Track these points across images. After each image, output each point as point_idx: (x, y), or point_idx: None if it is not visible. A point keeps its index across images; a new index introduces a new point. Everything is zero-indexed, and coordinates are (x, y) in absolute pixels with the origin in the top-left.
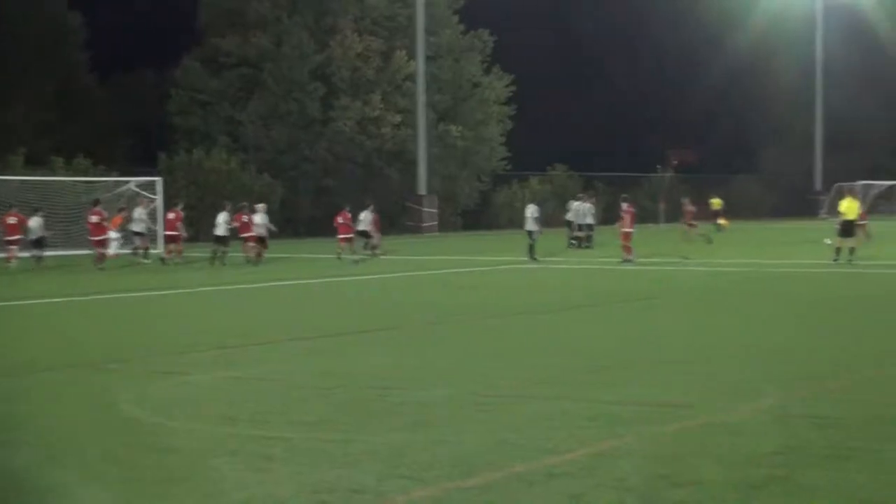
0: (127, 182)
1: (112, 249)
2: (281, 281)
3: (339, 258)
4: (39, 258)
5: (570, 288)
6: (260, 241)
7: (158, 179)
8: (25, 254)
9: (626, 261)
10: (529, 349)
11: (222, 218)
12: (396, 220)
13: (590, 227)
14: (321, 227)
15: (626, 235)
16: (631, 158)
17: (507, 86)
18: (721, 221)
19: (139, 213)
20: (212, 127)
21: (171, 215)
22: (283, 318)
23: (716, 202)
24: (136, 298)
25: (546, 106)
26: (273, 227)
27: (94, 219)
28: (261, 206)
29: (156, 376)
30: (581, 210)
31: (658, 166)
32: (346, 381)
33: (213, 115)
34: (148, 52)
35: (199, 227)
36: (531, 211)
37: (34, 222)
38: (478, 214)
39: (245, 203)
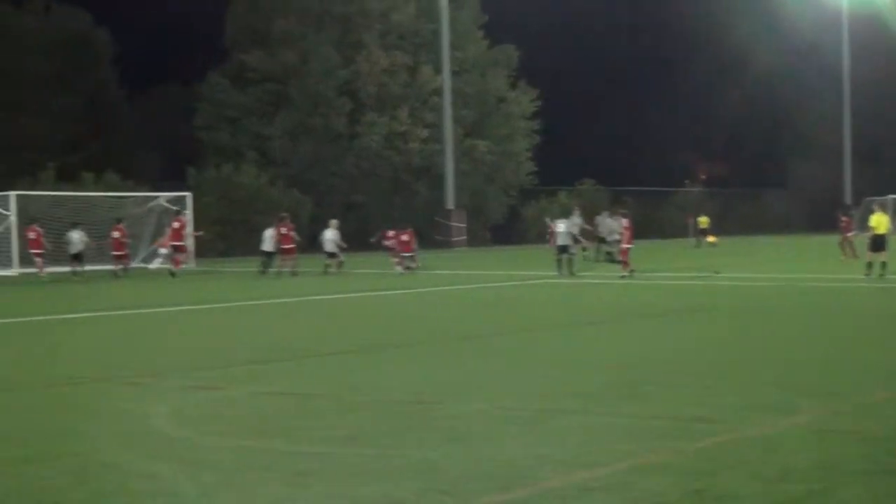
0: (157, 197)
1: (154, 265)
2: (314, 295)
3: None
4: (77, 272)
5: (600, 302)
6: (331, 256)
7: (188, 195)
8: (62, 268)
9: (624, 276)
10: (562, 363)
11: (269, 233)
12: (426, 235)
13: (618, 242)
14: (351, 242)
15: (625, 251)
16: (659, 172)
17: (532, 100)
18: (710, 239)
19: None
20: (240, 142)
21: (283, 230)
22: (317, 332)
23: (703, 220)
24: (171, 313)
25: (573, 120)
26: (343, 244)
27: (115, 234)
28: (333, 221)
29: (189, 391)
30: (609, 225)
31: (687, 180)
32: (381, 395)
33: (240, 130)
34: (175, 68)
35: (230, 243)
36: (564, 225)
37: (74, 236)
38: (507, 229)
39: (286, 213)
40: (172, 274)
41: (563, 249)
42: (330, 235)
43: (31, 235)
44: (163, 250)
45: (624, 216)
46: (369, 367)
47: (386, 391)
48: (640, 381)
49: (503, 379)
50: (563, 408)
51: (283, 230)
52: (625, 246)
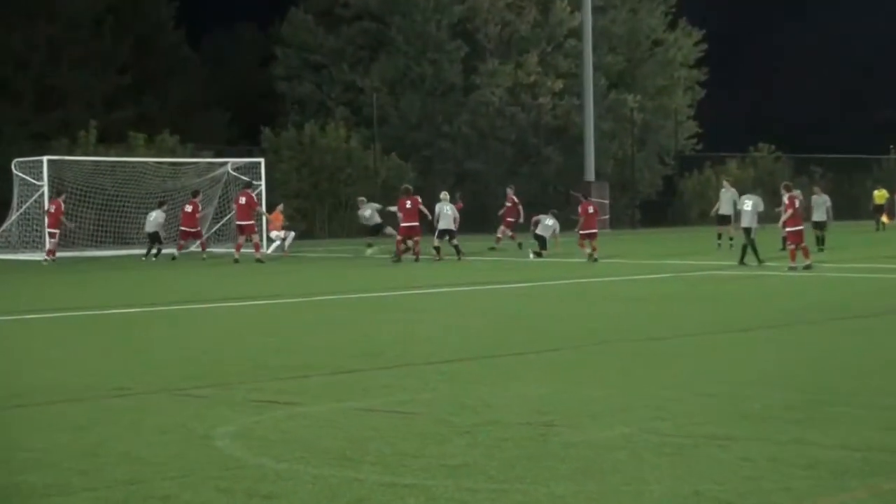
0: (223, 164)
1: (270, 250)
2: (413, 289)
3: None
4: (149, 254)
5: (782, 299)
6: (445, 235)
7: (261, 161)
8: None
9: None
10: (725, 378)
11: (373, 207)
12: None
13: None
14: (463, 219)
15: (794, 236)
16: (856, 136)
17: (696, 43)
18: (884, 219)
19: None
20: (327, 95)
21: (408, 203)
22: (417, 334)
23: (879, 195)
24: (238, 309)
25: (747, 69)
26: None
27: (188, 208)
28: (445, 193)
29: (260, 406)
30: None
31: (892, 146)
32: (498, 416)
33: (328, 80)
34: (247, 4)
35: (312, 221)
36: (751, 202)
37: (153, 216)
38: (660, 206)
39: (408, 186)
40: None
41: (748, 232)
42: (448, 209)
43: (51, 209)
44: (276, 234)
45: (786, 189)
46: (484, 379)
47: (504, 410)
48: (827, 400)
49: (653, 397)
50: (728, 434)
51: (409, 204)
52: (790, 229)
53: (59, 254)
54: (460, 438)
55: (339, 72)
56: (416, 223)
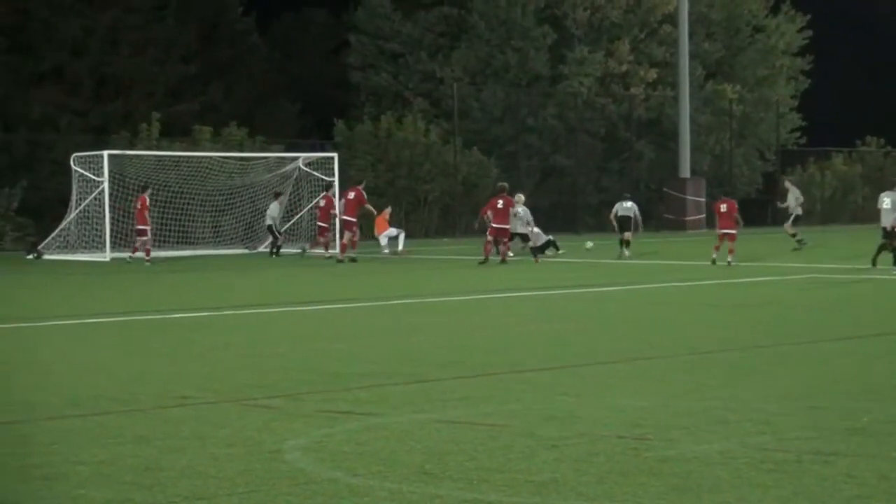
0: (294, 159)
1: (396, 247)
2: (493, 292)
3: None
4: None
5: (886, 306)
6: (522, 238)
7: (334, 155)
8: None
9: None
10: (832, 390)
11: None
12: (652, 212)
13: None
14: (547, 219)
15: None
16: None
17: (801, 30)
18: None
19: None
20: (404, 86)
21: (499, 203)
22: (501, 341)
23: None
24: (309, 312)
25: (854, 57)
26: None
27: (322, 203)
28: (520, 196)
29: (333, 416)
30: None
31: None
32: (588, 429)
33: (405, 70)
34: None
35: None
36: (890, 200)
37: (270, 207)
38: (761, 204)
39: (504, 184)
40: (351, 259)
41: (887, 235)
42: (522, 212)
43: (138, 206)
44: (392, 231)
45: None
46: (572, 389)
47: (594, 423)
48: None
49: (754, 409)
50: (835, 449)
51: (500, 204)
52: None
53: (116, 255)
54: (547, 452)
55: (416, 61)
56: (507, 225)
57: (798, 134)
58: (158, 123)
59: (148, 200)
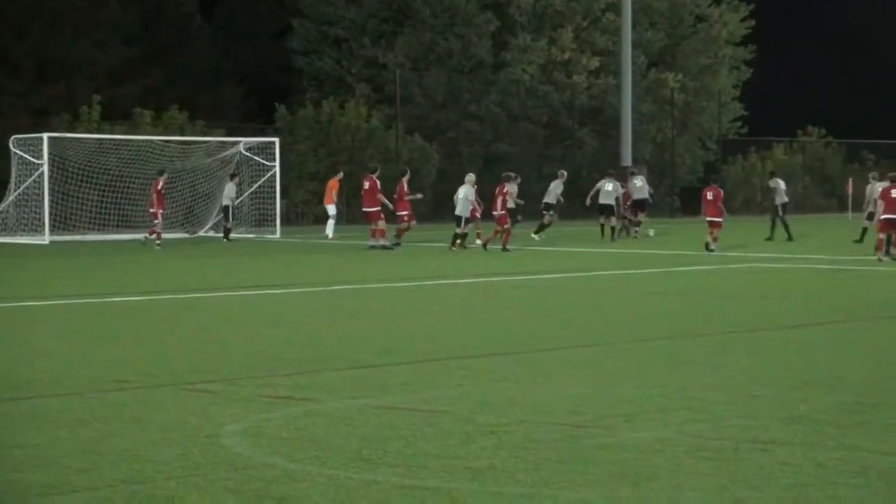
0: (236, 143)
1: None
2: (437, 279)
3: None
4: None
5: (838, 295)
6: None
7: (276, 140)
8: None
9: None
10: (771, 379)
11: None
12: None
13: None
14: (489, 206)
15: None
16: None
17: (743, 19)
18: None
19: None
20: (347, 71)
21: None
22: (441, 327)
23: None
24: (249, 298)
25: (797, 48)
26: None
27: (366, 185)
28: (470, 176)
29: (272, 401)
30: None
31: None
32: (527, 416)
33: (348, 55)
34: None
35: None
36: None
37: (228, 189)
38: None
39: (511, 174)
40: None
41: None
42: (463, 194)
43: (156, 189)
44: (332, 210)
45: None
46: (512, 376)
47: (533, 410)
48: (880, 403)
49: (693, 398)
50: (772, 437)
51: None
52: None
53: (57, 238)
54: (485, 439)
55: (360, 46)
56: (505, 211)
57: (740, 123)
58: (100, 106)
59: (161, 184)
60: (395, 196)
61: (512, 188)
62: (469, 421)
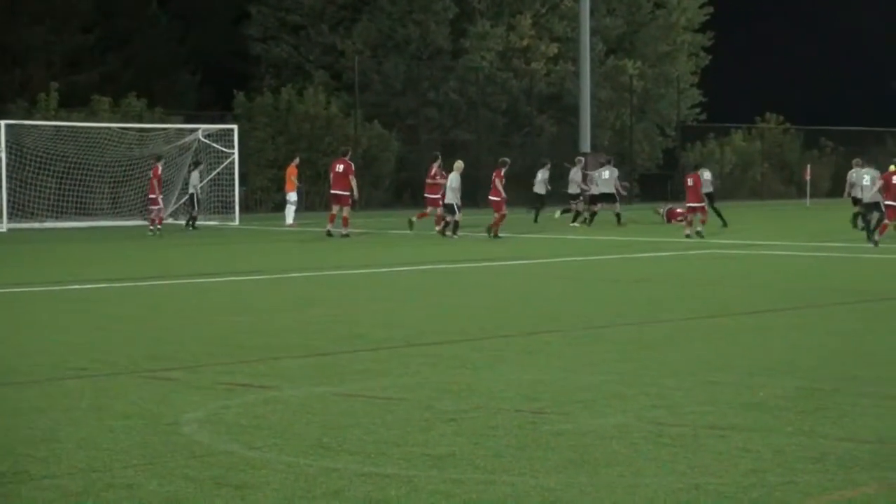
0: (194, 131)
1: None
2: (396, 266)
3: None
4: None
5: (797, 280)
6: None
7: (234, 127)
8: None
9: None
10: (729, 365)
11: (541, 175)
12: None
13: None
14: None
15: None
16: (873, 107)
17: (702, 6)
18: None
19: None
20: (305, 58)
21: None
22: (400, 314)
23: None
24: (208, 285)
25: (756, 34)
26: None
27: (339, 168)
28: (459, 164)
29: (231, 389)
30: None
31: None
32: (486, 403)
33: (306, 42)
34: None
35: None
36: (869, 178)
37: (193, 177)
38: (661, 180)
39: (505, 159)
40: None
41: (874, 207)
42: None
43: (152, 175)
44: (293, 196)
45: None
46: (471, 363)
47: (492, 397)
48: (837, 389)
49: (651, 384)
50: (731, 423)
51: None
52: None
53: (15, 226)
54: (445, 426)
55: (318, 33)
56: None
57: (698, 110)
58: (57, 94)
59: (160, 170)
60: (428, 180)
61: (544, 174)
62: (428, 408)
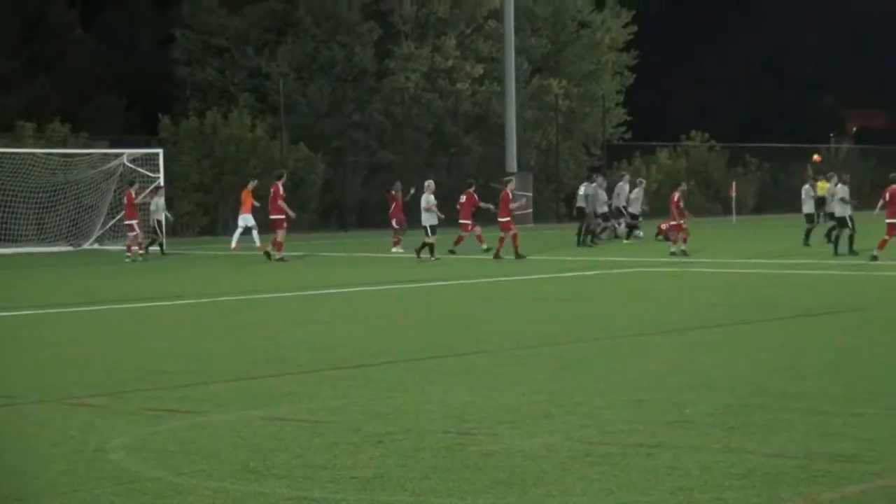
0: (119, 155)
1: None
2: (325, 288)
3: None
4: (151, 246)
5: (717, 296)
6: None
7: (159, 152)
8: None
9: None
10: (656, 383)
11: (583, 190)
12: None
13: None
14: (374, 215)
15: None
16: (795, 125)
17: (626, 25)
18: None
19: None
20: (230, 81)
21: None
22: (327, 337)
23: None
24: (135, 310)
25: (679, 54)
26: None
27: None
28: (430, 183)
29: (158, 415)
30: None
31: (832, 134)
32: (414, 424)
33: (231, 65)
34: None
35: (215, 217)
36: (844, 191)
37: (157, 204)
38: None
39: (471, 180)
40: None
41: (841, 222)
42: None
43: (125, 201)
44: (249, 220)
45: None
46: (399, 385)
47: (420, 418)
48: (763, 405)
49: (578, 403)
50: (659, 442)
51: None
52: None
53: None
54: (373, 448)
55: (242, 55)
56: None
57: (624, 128)
58: None
59: (134, 195)
60: (459, 206)
61: (587, 189)
62: (356, 431)
